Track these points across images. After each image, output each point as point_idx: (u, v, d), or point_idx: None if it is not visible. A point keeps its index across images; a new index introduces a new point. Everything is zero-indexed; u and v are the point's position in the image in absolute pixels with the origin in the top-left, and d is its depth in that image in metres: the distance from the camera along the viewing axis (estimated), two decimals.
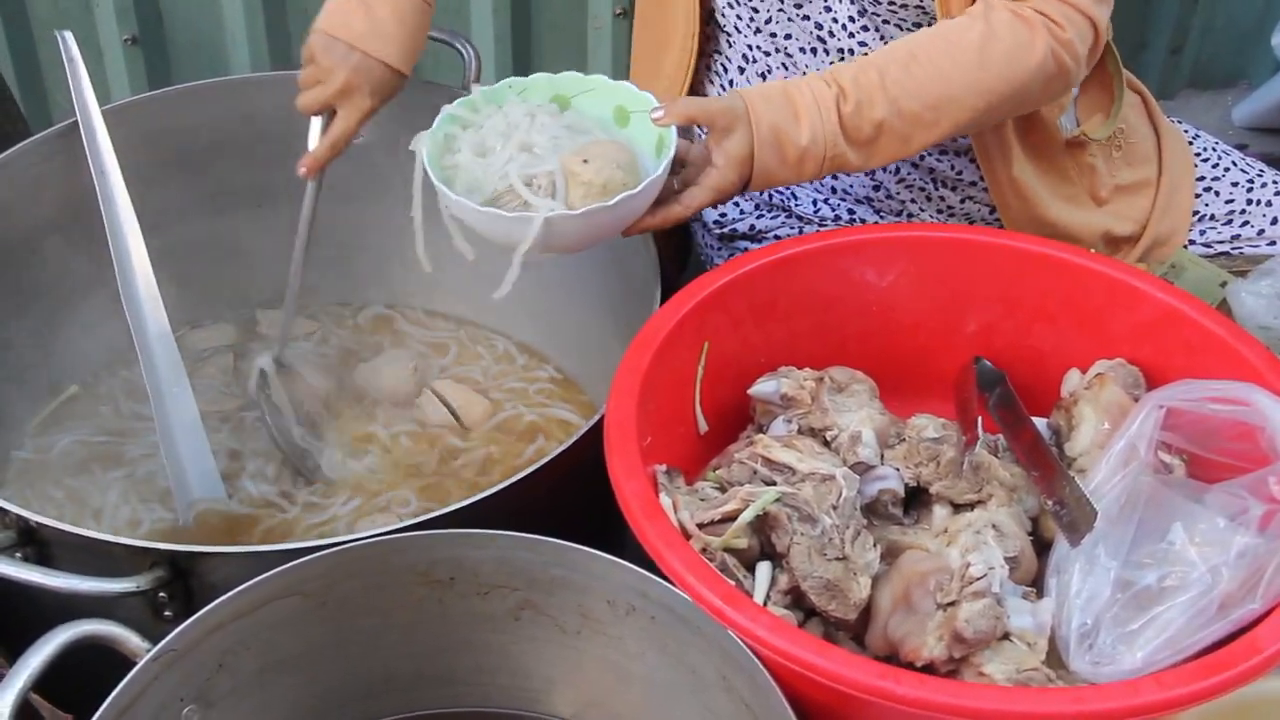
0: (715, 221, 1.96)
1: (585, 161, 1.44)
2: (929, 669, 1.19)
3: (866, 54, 1.71)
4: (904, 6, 1.68)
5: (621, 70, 2.90)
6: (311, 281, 1.85)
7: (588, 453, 1.35)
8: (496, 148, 1.48)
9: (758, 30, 1.79)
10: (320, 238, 1.97)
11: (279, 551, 1.26)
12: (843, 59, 1.74)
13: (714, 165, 1.49)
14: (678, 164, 1.49)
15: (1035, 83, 1.57)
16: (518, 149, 1.47)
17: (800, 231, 1.88)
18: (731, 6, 1.79)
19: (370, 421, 1.84)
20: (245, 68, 2.51)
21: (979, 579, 1.20)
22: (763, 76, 1.82)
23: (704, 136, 1.51)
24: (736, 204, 1.95)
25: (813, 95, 1.50)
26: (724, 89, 1.86)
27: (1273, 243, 1.90)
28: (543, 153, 1.46)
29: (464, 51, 1.88)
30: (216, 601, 1.19)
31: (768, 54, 1.80)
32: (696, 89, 1.92)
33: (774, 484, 1.30)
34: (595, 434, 1.34)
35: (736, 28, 1.81)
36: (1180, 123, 2.03)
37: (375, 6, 1.63)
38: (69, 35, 1.78)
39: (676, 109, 1.47)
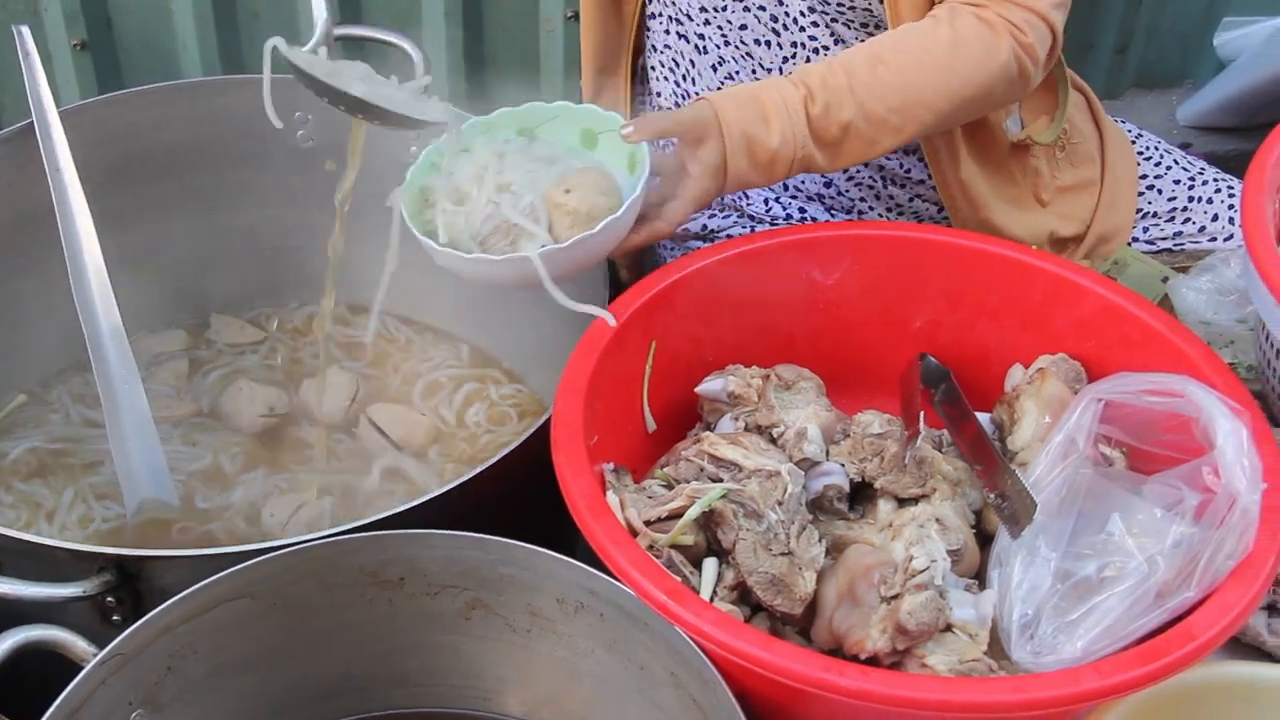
0: None
1: (568, 191, 1.44)
2: (873, 661, 1.21)
3: (818, 48, 1.73)
4: (852, 8, 1.70)
5: (574, 72, 2.91)
6: (250, 286, 1.85)
7: (536, 452, 1.35)
8: (473, 192, 1.48)
9: (707, 22, 1.80)
10: (264, 242, 1.99)
11: (228, 554, 1.26)
12: (795, 52, 1.75)
13: (689, 175, 1.50)
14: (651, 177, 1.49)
15: (999, 87, 1.59)
16: (495, 190, 1.47)
17: (752, 230, 1.89)
18: None
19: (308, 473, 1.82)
20: (196, 71, 2.50)
21: (921, 572, 1.21)
22: (714, 69, 1.83)
23: (672, 146, 1.52)
24: None
25: (781, 97, 1.51)
26: (678, 83, 1.87)
27: (1214, 239, 1.93)
28: (520, 189, 1.46)
29: (413, 54, 1.88)
30: (164, 605, 1.19)
31: (721, 45, 1.81)
32: (643, 86, 1.94)
33: (720, 481, 1.31)
34: (544, 433, 1.35)
35: (687, 14, 1.81)
36: (1123, 122, 2.05)
37: None
38: (25, 30, 1.76)
39: (646, 125, 1.47)
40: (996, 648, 1.25)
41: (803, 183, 1.88)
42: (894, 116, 1.54)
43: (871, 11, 1.69)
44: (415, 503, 1.36)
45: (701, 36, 1.82)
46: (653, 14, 1.87)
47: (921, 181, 1.86)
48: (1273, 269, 1.39)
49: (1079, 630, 1.18)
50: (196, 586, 1.20)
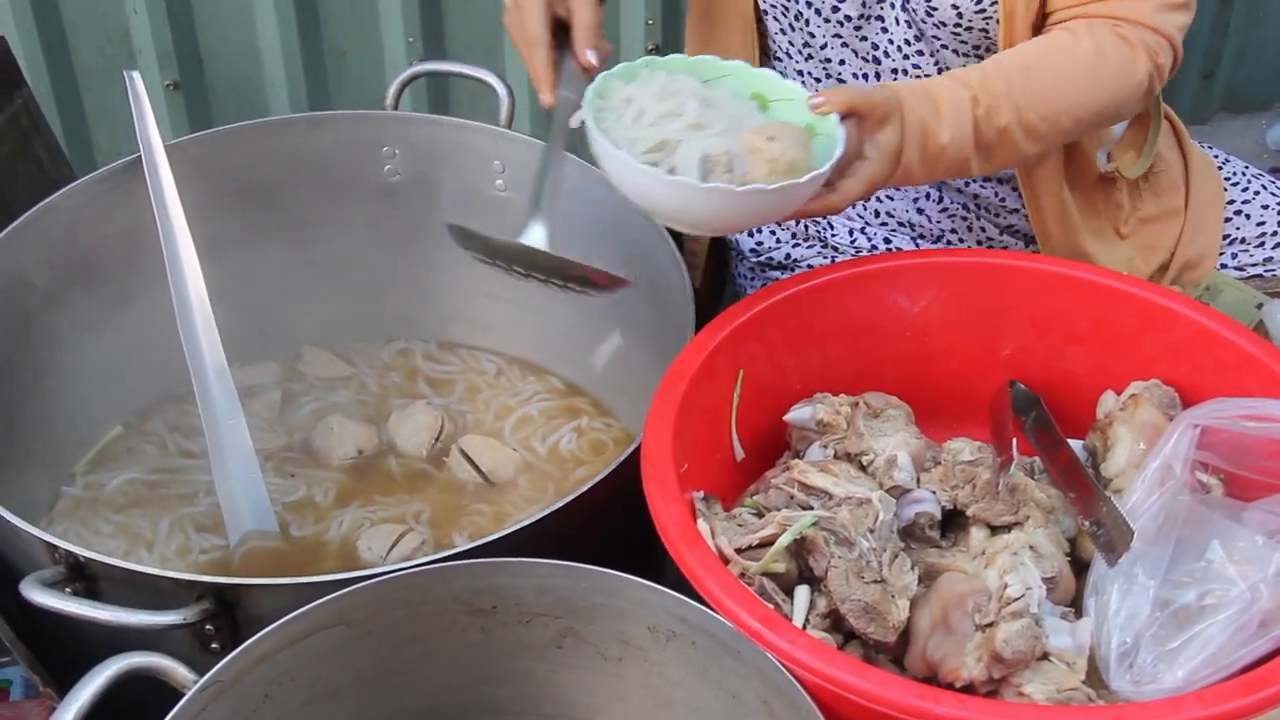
0: (751, 250, 1.97)
1: (771, 139, 1.41)
2: (968, 689, 1.20)
3: (919, 76, 1.73)
4: (968, 29, 1.70)
5: None
6: (340, 319, 1.87)
7: (626, 481, 1.36)
8: (648, 110, 1.46)
9: (809, 57, 1.80)
10: (353, 276, 2.01)
11: (324, 582, 1.28)
12: (895, 79, 1.75)
13: (866, 158, 1.47)
14: None
15: (1131, 102, 1.61)
16: (689, 127, 1.43)
17: (834, 260, 1.89)
18: (784, 33, 1.80)
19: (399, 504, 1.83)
20: (284, 109, 2.55)
21: (1017, 599, 1.20)
22: None
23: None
24: (773, 232, 1.96)
25: (951, 96, 1.51)
26: None
27: None
28: (716, 129, 1.42)
29: (498, 87, 1.90)
30: (262, 633, 1.20)
31: (818, 80, 1.81)
32: None
33: (811, 508, 1.31)
34: (633, 462, 1.35)
35: (788, 53, 1.82)
36: (1210, 148, 2.04)
37: None
38: (136, 75, 1.82)
39: (838, 97, 1.45)
40: (1095, 677, 1.24)
41: (893, 210, 1.88)
42: (1043, 124, 1.55)
43: (988, 33, 1.69)
44: (506, 531, 1.37)
45: (800, 73, 1.82)
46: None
47: (1015, 210, 1.85)
48: None
49: (1180, 659, 1.16)
50: (293, 615, 1.22)
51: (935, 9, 1.67)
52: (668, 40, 2.75)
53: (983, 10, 1.66)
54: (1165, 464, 1.28)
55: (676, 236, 1.74)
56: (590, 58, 1.50)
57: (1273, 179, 2.03)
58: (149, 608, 1.32)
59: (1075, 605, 1.31)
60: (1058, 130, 1.57)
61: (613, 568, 1.28)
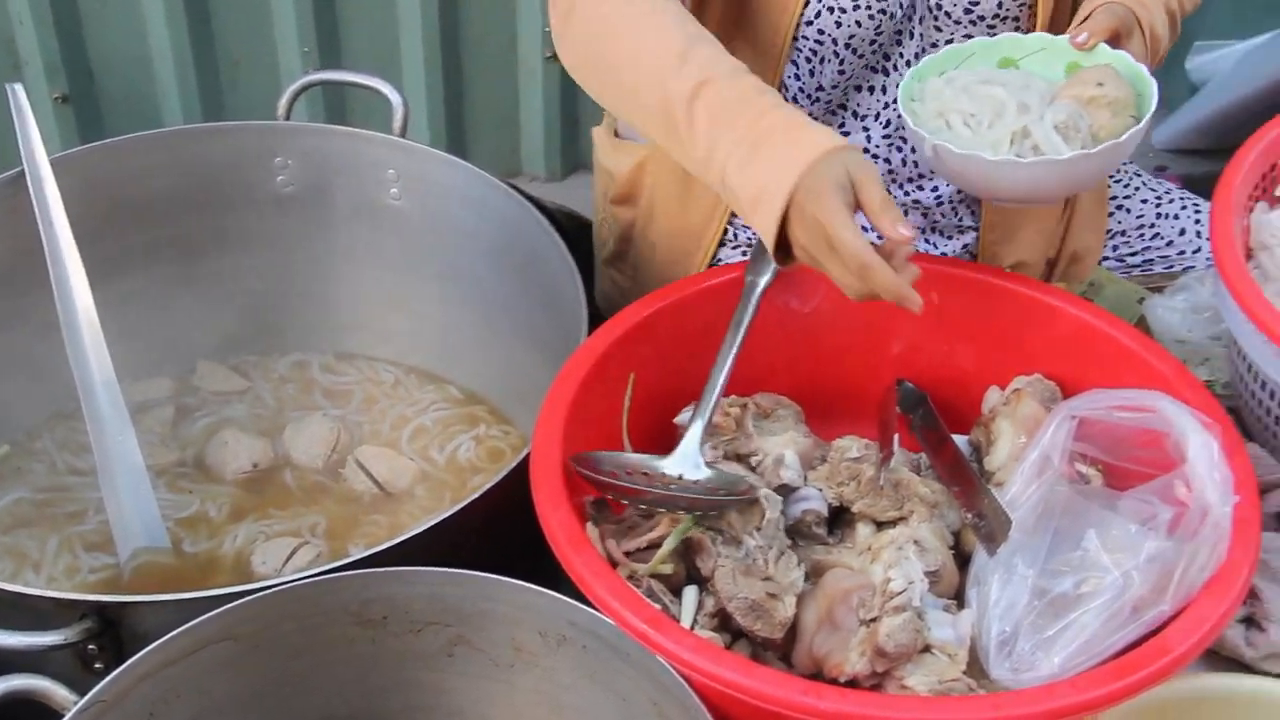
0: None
1: (1100, 84, 1.44)
2: (853, 684, 1.21)
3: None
4: (1002, 19, 1.70)
5: (555, 111, 2.94)
6: (236, 332, 1.85)
7: (519, 487, 1.36)
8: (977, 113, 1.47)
9: (819, 87, 1.75)
10: (248, 288, 1.99)
11: (208, 597, 1.26)
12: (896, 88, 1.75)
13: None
14: None
15: None
16: (1016, 113, 1.45)
17: None
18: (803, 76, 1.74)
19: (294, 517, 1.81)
20: (178, 120, 2.53)
21: (899, 594, 1.22)
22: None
23: None
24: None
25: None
26: None
27: (1181, 252, 1.96)
28: (1039, 109, 1.45)
29: (392, 98, 1.90)
30: (145, 650, 1.19)
31: (830, 110, 1.78)
32: None
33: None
34: (525, 469, 1.35)
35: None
36: None
37: None
38: (19, 88, 1.79)
39: (1099, 23, 1.50)
40: (976, 667, 1.25)
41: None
42: (1187, 3, 1.64)
43: (1019, 20, 1.70)
44: (397, 540, 1.36)
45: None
46: None
47: (971, 229, 1.85)
48: (1242, 286, 1.40)
49: (1056, 646, 1.18)
50: (177, 631, 1.20)
51: (977, 3, 1.67)
52: None
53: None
54: (1044, 455, 1.30)
55: (572, 244, 1.74)
56: (903, 230, 1.30)
57: (1150, 175, 2.09)
58: (34, 629, 1.30)
59: (958, 597, 1.32)
60: (1183, 11, 1.63)
61: (510, 574, 1.27)
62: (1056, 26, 1.66)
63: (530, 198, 1.82)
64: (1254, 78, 2.89)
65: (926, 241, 1.84)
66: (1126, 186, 2.03)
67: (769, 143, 1.35)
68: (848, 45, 1.66)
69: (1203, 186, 2.16)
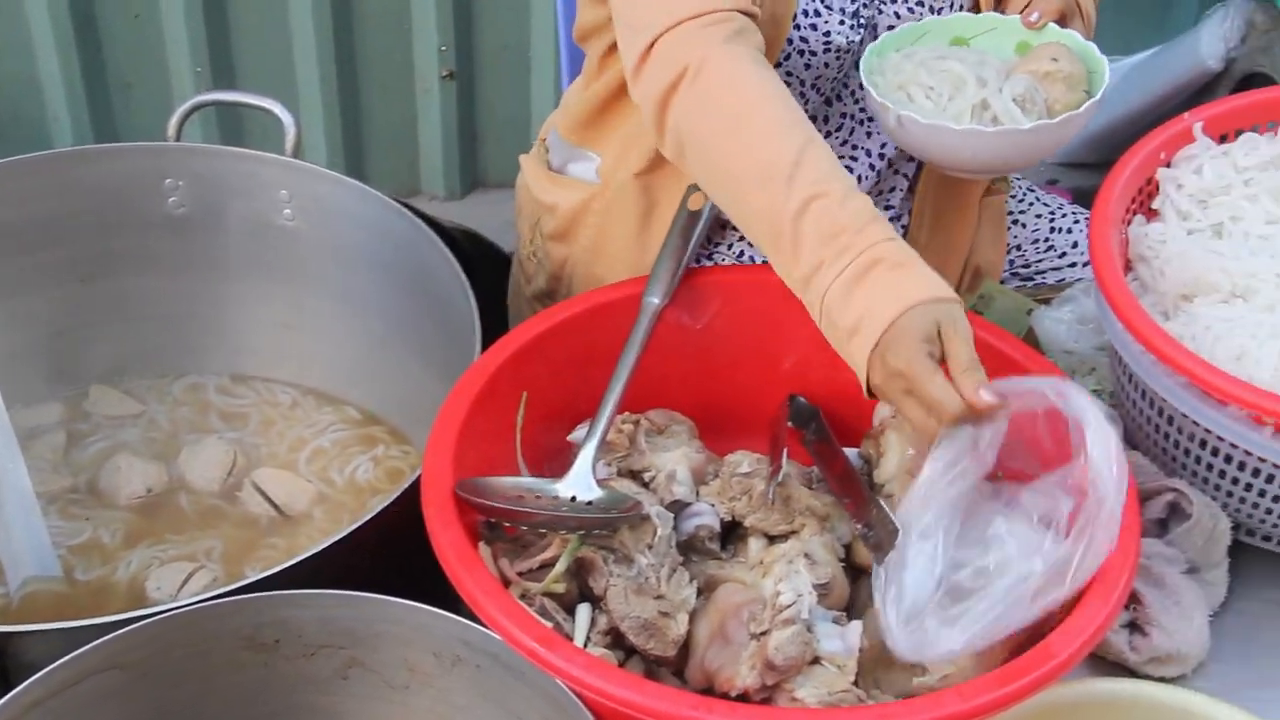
0: None
1: (1055, 60, 1.48)
2: (744, 698, 1.22)
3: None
4: None
5: (453, 130, 2.94)
6: (129, 356, 1.82)
7: (414, 508, 1.36)
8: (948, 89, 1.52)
9: None
10: (141, 311, 1.97)
11: (94, 625, 1.24)
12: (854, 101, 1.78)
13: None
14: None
15: None
16: (976, 86, 1.50)
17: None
18: None
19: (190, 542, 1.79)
20: (68, 142, 2.50)
21: (788, 607, 1.23)
22: None
23: None
24: None
25: None
26: None
27: (1074, 264, 2.00)
28: (996, 82, 1.51)
29: (283, 117, 1.88)
30: (28, 681, 1.17)
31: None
32: None
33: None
34: (418, 489, 1.35)
35: None
36: None
37: None
38: None
39: (1049, 6, 1.56)
40: (869, 678, 1.27)
41: None
42: None
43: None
44: (290, 563, 1.35)
45: None
46: None
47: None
48: (1119, 296, 1.44)
49: (959, 625, 1.20)
50: (63, 660, 1.19)
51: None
52: (461, 67, 2.76)
53: None
54: (956, 445, 1.30)
55: (470, 263, 1.74)
56: (986, 396, 1.27)
57: (1043, 191, 2.13)
58: None
59: (849, 609, 1.34)
60: None
61: (413, 595, 1.27)
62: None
63: (426, 217, 1.81)
64: (1138, 92, 2.96)
65: None
66: (1021, 201, 2.07)
67: (873, 275, 1.31)
68: (814, 87, 1.71)
69: (1092, 200, 2.21)
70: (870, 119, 1.75)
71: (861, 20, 1.67)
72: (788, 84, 1.60)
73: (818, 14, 1.64)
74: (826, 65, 1.67)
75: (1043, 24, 1.56)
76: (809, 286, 1.35)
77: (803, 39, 1.64)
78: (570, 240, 1.87)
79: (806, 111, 1.64)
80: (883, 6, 1.68)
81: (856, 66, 1.63)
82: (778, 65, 1.65)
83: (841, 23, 1.65)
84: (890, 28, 1.67)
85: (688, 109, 1.43)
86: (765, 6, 1.56)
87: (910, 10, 1.68)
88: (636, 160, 1.75)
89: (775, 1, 1.60)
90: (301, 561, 1.36)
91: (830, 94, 1.75)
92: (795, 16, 1.62)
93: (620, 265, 1.81)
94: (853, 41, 1.66)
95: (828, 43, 1.65)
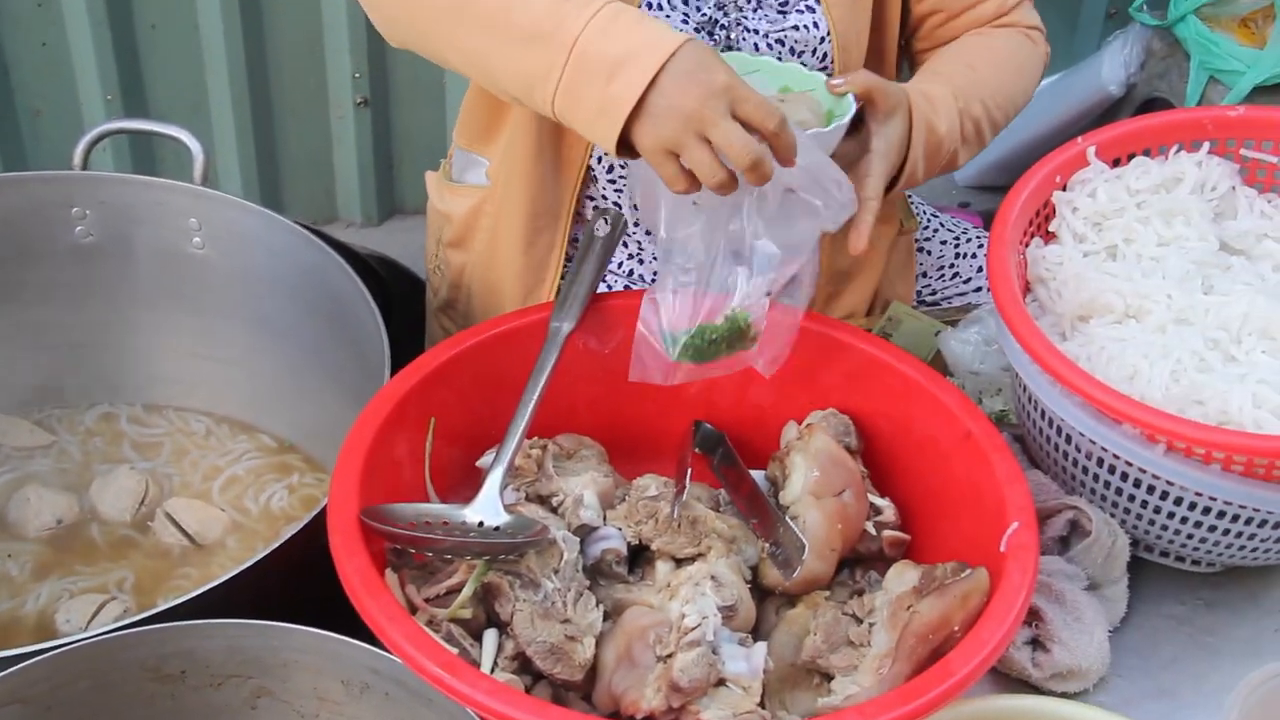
0: None
1: (781, 102, 1.44)
2: None
3: None
4: None
5: (368, 156, 2.94)
6: (39, 386, 1.81)
7: (322, 535, 1.36)
8: None
9: None
10: (50, 341, 1.95)
11: None
12: None
13: (873, 151, 1.50)
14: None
15: (1035, 86, 1.75)
16: None
17: None
18: None
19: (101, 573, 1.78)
20: None
21: (694, 629, 1.24)
22: None
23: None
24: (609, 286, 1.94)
25: (939, 90, 1.58)
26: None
27: (979, 289, 2.03)
28: None
29: (191, 145, 1.88)
30: None
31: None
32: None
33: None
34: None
35: None
36: None
37: None
38: None
39: (857, 79, 1.47)
40: (775, 699, 1.29)
41: None
42: (998, 113, 1.66)
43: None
44: (197, 593, 1.34)
45: None
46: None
47: None
48: (1016, 318, 1.47)
49: None
50: None
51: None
52: (375, 93, 2.76)
53: (825, 69, 1.70)
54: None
55: (387, 290, 1.74)
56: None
57: (949, 216, 2.16)
58: None
59: (755, 631, 1.36)
60: (1005, 119, 1.68)
61: (322, 623, 1.27)
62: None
63: (338, 243, 1.82)
64: (1044, 116, 3.02)
65: None
66: (926, 229, 2.10)
67: (633, 16, 1.34)
68: None
69: None
70: None
71: (713, 34, 1.69)
72: None
73: (660, 8, 1.67)
74: None
75: (841, 92, 1.47)
76: (553, 41, 1.33)
77: None
78: (467, 246, 1.91)
79: None
80: (744, 35, 1.70)
81: None
82: None
83: (685, 18, 1.67)
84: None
85: None
86: None
87: (769, 47, 1.70)
88: (520, 157, 1.78)
89: None
90: (210, 590, 1.35)
91: None
92: (639, 6, 1.64)
93: (512, 269, 1.85)
94: None
95: None
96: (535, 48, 1.36)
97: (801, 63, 1.68)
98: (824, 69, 1.70)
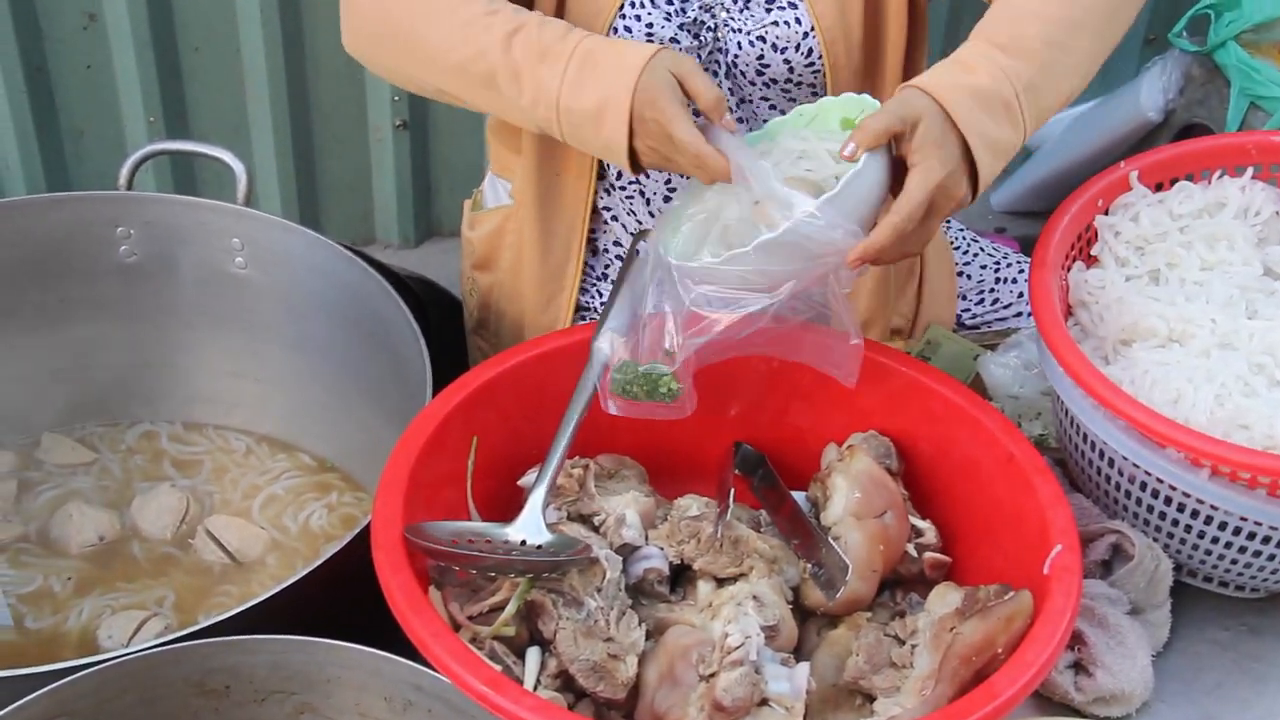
0: None
1: (809, 170, 1.42)
2: None
3: None
4: (798, 84, 1.73)
5: (407, 178, 2.96)
6: (82, 404, 1.82)
7: (364, 553, 1.36)
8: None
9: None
10: (93, 359, 1.97)
11: (43, 673, 1.24)
12: None
13: (915, 165, 1.37)
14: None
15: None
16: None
17: None
18: None
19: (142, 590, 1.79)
20: (20, 190, 2.50)
21: (736, 648, 1.24)
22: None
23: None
24: None
25: (967, 50, 1.44)
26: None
27: (1019, 314, 2.03)
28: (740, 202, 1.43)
29: (235, 166, 1.90)
30: None
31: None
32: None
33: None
34: (369, 534, 1.36)
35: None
36: None
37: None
38: None
39: (864, 133, 1.36)
40: (817, 719, 1.29)
41: None
42: (1066, 22, 1.45)
43: (815, 88, 1.74)
44: (240, 609, 1.35)
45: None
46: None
47: None
48: (1058, 340, 1.47)
49: None
50: (9, 709, 1.19)
51: (767, 66, 1.71)
52: (415, 116, 2.78)
53: (812, 64, 1.71)
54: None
55: (425, 311, 1.75)
56: (729, 119, 1.43)
57: (989, 241, 2.16)
58: None
59: (797, 651, 1.35)
60: (1086, 24, 1.46)
61: (363, 640, 1.28)
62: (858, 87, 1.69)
63: (378, 264, 1.83)
64: (1081, 142, 3.02)
65: None
66: (965, 253, 2.10)
67: (593, 62, 1.45)
68: None
69: None
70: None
71: (699, 35, 1.70)
72: None
73: (642, 5, 1.68)
74: None
75: (857, 156, 1.36)
76: (536, 106, 1.48)
77: (626, 27, 1.69)
78: (493, 267, 1.95)
79: None
80: (729, 35, 1.71)
81: None
82: None
83: (668, 17, 1.69)
84: (736, 55, 1.71)
85: (360, 13, 1.61)
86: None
87: (751, 44, 1.70)
88: (533, 167, 1.82)
89: None
90: (252, 607, 1.36)
91: None
92: (622, 7, 1.67)
93: (533, 280, 1.89)
94: (679, 43, 1.69)
95: (650, 34, 1.69)
96: (527, 113, 1.50)
97: (785, 60, 1.70)
98: (810, 66, 1.71)
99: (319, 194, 2.92)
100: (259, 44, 2.61)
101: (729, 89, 1.75)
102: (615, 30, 1.68)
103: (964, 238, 2.13)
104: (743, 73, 1.73)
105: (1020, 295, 2.05)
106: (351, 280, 1.81)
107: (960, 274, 2.08)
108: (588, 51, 1.46)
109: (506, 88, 1.49)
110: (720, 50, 1.72)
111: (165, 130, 2.58)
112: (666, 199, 1.83)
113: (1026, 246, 2.27)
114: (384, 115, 2.74)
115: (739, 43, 1.71)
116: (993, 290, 2.07)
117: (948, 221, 2.16)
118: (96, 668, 1.24)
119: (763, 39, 1.70)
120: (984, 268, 2.09)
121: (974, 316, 2.06)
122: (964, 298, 2.07)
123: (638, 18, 1.68)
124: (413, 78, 1.62)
